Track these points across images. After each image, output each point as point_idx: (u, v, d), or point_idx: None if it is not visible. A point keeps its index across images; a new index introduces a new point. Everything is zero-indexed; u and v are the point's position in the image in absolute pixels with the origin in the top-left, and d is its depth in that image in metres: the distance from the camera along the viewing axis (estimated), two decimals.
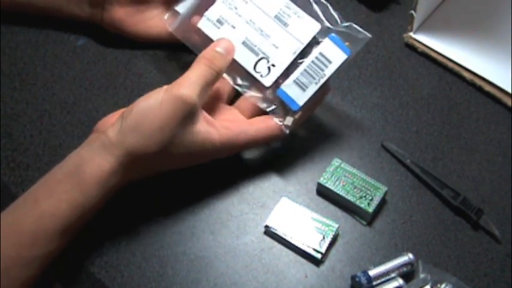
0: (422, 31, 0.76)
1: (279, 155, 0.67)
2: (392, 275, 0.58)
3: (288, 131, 0.62)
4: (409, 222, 0.63)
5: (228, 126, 0.61)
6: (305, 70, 0.62)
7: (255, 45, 0.64)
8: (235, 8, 0.66)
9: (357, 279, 0.58)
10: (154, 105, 0.56)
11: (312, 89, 0.62)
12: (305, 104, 0.62)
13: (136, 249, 0.60)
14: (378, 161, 0.67)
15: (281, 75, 0.63)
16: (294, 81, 0.62)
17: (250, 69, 0.64)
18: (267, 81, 0.63)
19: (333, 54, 0.62)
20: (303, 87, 0.62)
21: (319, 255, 0.59)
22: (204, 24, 0.66)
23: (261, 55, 0.64)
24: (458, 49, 0.75)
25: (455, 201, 0.64)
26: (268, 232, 0.61)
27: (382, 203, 0.63)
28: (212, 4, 0.67)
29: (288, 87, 0.62)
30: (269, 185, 0.64)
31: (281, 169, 0.66)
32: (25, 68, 0.71)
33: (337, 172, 0.63)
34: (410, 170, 0.66)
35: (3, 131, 0.66)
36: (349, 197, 0.62)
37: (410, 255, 0.59)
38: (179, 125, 0.56)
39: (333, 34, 0.63)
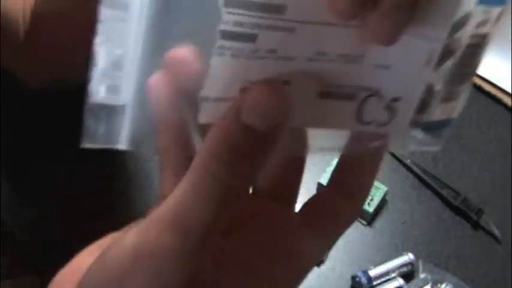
0: None
1: None
2: (393, 275, 0.58)
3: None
4: (409, 222, 0.63)
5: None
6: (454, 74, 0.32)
7: (344, 84, 0.31)
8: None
9: (357, 279, 0.58)
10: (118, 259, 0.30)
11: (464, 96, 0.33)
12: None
13: None
14: None
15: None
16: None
17: (354, 125, 0.32)
18: (397, 127, 0.32)
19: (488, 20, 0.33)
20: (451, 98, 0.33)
21: None
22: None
23: (364, 94, 0.31)
24: None
25: (455, 201, 0.64)
26: None
27: (382, 203, 0.63)
28: None
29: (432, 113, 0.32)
30: None
31: None
32: None
33: None
34: (410, 170, 0.66)
35: (3, 131, 0.66)
36: None
37: (411, 255, 0.59)
38: None
39: None
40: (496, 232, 0.62)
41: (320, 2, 0.28)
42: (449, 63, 0.32)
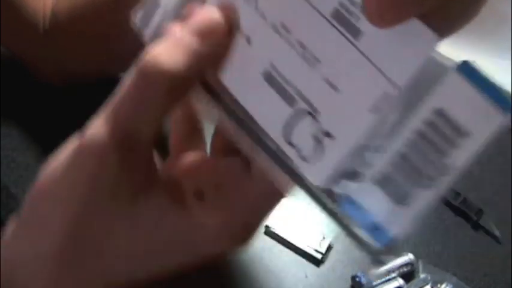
0: None
1: None
2: (393, 275, 0.58)
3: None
4: None
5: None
6: (404, 154, 0.28)
7: (291, 83, 0.29)
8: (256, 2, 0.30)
9: (357, 279, 0.58)
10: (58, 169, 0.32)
11: (422, 199, 0.29)
12: (405, 231, 0.30)
13: None
14: None
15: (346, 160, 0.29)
16: (383, 178, 0.28)
17: (276, 137, 0.30)
18: (316, 172, 0.29)
19: (469, 111, 0.28)
20: (399, 196, 0.29)
21: (319, 255, 0.59)
22: None
23: (303, 106, 0.29)
24: (458, 49, 0.75)
25: (455, 201, 0.64)
26: (268, 232, 0.61)
27: None
28: None
29: (366, 194, 0.29)
30: None
31: None
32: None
33: None
34: None
35: (3, 131, 0.66)
36: None
37: (411, 255, 0.59)
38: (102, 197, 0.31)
39: (466, 62, 0.29)
40: (496, 232, 0.62)
41: None
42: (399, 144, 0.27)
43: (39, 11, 0.60)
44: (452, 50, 0.82)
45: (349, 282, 0.59)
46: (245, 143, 0.31)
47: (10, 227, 0.34)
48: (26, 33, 0.61)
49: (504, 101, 0.27)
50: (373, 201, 0.28)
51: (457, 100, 0.27)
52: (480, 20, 0.84)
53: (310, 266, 0.60)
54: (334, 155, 0.28)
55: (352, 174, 0.28)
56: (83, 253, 0.31)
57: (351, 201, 0.28)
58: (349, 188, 0.28)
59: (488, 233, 0.63)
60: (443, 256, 0.61)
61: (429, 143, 0.27)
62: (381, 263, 0.31)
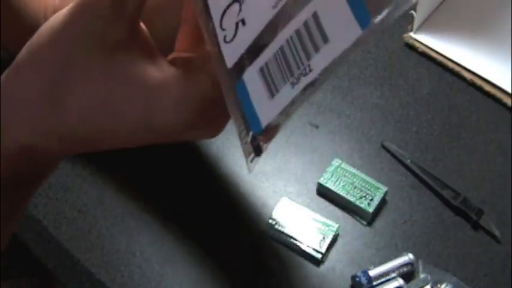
0: (423, 31, 0.76)
1: (279, 155, 0.67)
2: (393, 275, 0.58)
3: (251, 171, 0.35)
4: (409, 222, 0.63)
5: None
6: (279, 51, 0.31)
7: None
8: None
9: (357, 279, 0.58)
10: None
11: (287, 95, 0.31)
12: (275, 121, 0.33)
13: (136, 249, 0.60)
14: (378, 161, 0.67)
15: (251, 48, 0.32)
16: (261, 69, 0.32)
17: (216, 20, 0.33)
18: (230, 54, 0.33)
19: (335, 20, 0.29)
20: (271, 88, 0.32)
21: (319, 255, 0.59)
22: None
23: None
24: (458, 49, 0.75)
25: (455, 201, 0.64)
26: (268, 232, 0.61)
27: (382, 203, 0.63)
28: None
29: (252, 80, 0.32)
30: (269, 185, 0.64)
31: (281, 169, 0.65)
32: None
33: (337, 172, 0.63)
34: (410, 170, 0.66)
35: None
36: (349, 197, 0.62)
37: (410, 255, 0.59)
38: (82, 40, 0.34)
39: None
40: (496, 232, 0.62)
41: None
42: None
43: (40, 13, 0.60)
44: (452, 50, 0.82)
45: (349, 282, 0.59)
46: (202, 22, 0.35)
47: (4, 73, 0.38)
48: (26, 34, 0.61)
49: (365, 17, 0.28)
50: (254, 89, 0.32)
51: (330, 7, 0.29)
52: (480, 20, 0.85)
53: (310, 266, 0.60)
54: (245, 39, 0.32)
55: (250, 60, 0.32)
56: (65, 94, 0.35)
57: (244, 87, 0.32)
58: (246, 73, 0.32)
59: (488, 233, 0.63)
60: (443, 256, 0.61)
61: (301, 42, 0.30)
62: (259, 151, 0.33)
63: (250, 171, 0.34)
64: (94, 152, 0.38)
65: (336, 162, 0.64)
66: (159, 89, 0.35)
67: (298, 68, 0.30)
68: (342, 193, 0.62)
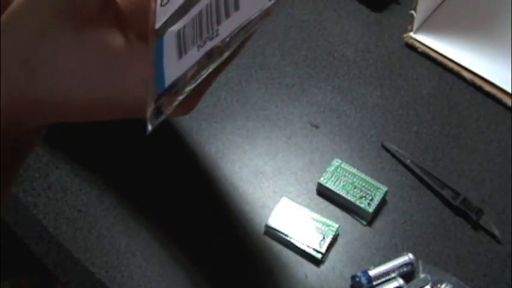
0: (422, 31, 0.76)
1: (279, 155, 0.67)
2: (393, 275, 0.58)
3: (149, 129, 0.35)
4: (409, 222, 0.63)
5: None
6: (198, 15, 0.33)
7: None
8: None
9: (357, 279, 0.58)
10: None
11: (192, 58, 0.34)
12: (175, 83, 0.34)
13: (136, 249, 0.60)
14: (378, 161, 0.67)
15: (178, 11, 0.33)
16: (178, 31, 0.33)
17: None
18: (160, 18, 0.33)
19: None
20: (181, 50, 0.33)
21: (319, 255, 0.59)
22: None
23: None
24: (458, 49, 0.75)
25: (455, 201, 0.64)
26: (268, 232, 0.61)
27: (382, 203, 0.63)
28: None
29: (169, 40, 0.33)
30: (269, 185, 0.64)
31: (281, 169, 0.66)
32: None
33: (337, 172, 0.63)
34: (410, 170, 0.66)
35: None
36: (349, 197, 0.62)
37: (410, 255, 0.59)
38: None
39: None
40: (496, 232, 0.62)
41: None
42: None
43: None
44: (452, 50, 0.82)
45: (349, 282, 0.59)
46: None
47: None
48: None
49: None
50: (168, 50, 0.32)
51: None
52: (480, 21, 0.85)
53: (310, 266, 0.60)
54: (175, 2, 0.32)
55: (174, 22, 0.33)
56: (39, 63, 0.36)
57: (161, 47, 0.33)
58: (166, 34, 0.32)
59: (488, 233, 0.63)
60: (443, 256, 0.61)
61: (217, 8, 0.32)
62: (160, 112, 0.34)
63: (148, 131, 0.35)
64: (73, 122, 0.39)
65: (336, 162, 0.64)
66: (127, 61, 0.35)
67: (208, 32, 0.32)
68: (342, 193, 0.62)
